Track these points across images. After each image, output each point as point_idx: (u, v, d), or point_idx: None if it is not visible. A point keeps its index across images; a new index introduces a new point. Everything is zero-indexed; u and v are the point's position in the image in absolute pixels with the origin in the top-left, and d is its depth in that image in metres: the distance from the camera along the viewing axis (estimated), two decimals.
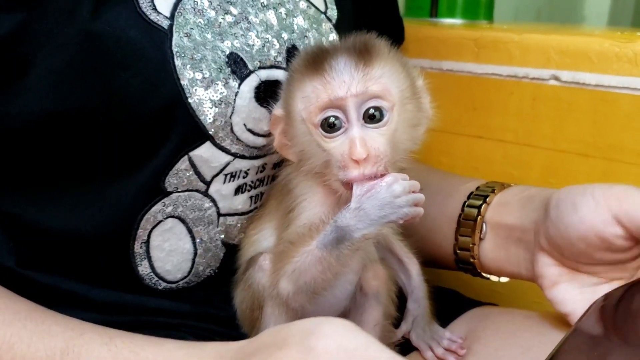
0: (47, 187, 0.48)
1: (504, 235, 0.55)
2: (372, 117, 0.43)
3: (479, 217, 0.56)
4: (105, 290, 0.51)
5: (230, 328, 0.53)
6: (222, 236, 0.53)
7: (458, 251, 0.59)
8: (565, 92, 0.70)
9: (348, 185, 0.43)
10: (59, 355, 0.40)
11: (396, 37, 0.75)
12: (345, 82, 0.43)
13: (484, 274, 0.59)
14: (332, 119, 0.43)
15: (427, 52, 0.78)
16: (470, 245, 0.57)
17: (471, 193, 0.58)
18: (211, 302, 0.55)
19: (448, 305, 0.60)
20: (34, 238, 0.50)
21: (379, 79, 0.44)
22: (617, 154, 0.67)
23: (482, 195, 0.58)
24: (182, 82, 0.45)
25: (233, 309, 0.53)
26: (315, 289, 0.45)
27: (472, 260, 0.58)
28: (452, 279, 0.80)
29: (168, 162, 0.47)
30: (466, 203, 0.58)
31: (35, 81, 0.44)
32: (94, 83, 0.44)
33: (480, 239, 0.57)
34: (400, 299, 0.55)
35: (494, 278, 0.59)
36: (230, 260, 0.53)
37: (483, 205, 0.57)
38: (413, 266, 0.54)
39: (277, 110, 0.46)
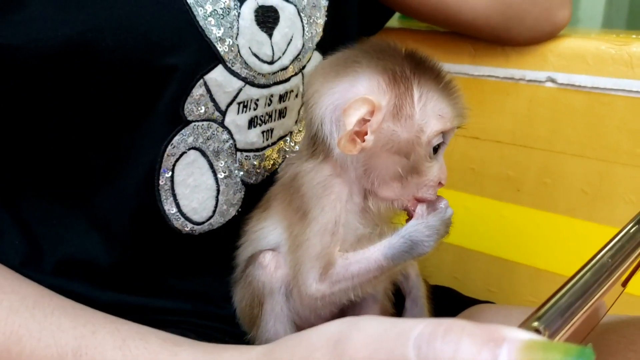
0: (68, 129, 0.48)
1: None
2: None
3: None
4: (109, 292, 0.51)
5: (232, 326, 0.54)
6: (241, 173, 0.54)
7: None
8: (562, 94, 0.70)
9: (415, 202, 0.46)
10: (71, 356, 0.39)
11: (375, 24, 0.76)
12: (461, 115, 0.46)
13: None
14: (440, 143, 0.46)
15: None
16: None
17: None
18: (213, 300, 0.56)
19: (445, 304, 0.60)
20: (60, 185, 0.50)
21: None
22: (612, 155, 0.68)
23: None
24: (188, 0, 0.47)
25: (233, 307, 0.54)
26: (356, 293, 0.46)
27: None
28: (449, 278, 0.81)
29: (184, 86, 0.48)
30: None
31: (39, 5, 0.43)
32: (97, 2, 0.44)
33: None
34: (398, 298, 0.56)
35: None
36: (251, 201, 0.54)
37: None
38: (411, 267, 0.55)
39: (378, 99, 0.44)
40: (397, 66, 0.44)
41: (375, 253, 0.44)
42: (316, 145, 0.47)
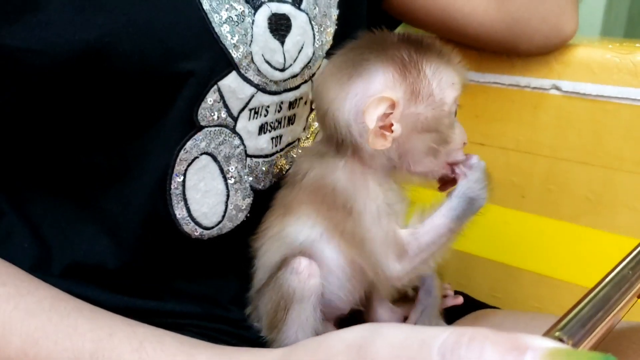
0: (80, 132, 0.48)
1: None
2: None
3: None
4: (117, 296, 0.51)
5: (240, 328, 0.54)
6: (251, 179, 0.55)
7: None
8: (566, 102, 0.71)
9: (448, 167, 0.50)
10: (88, 359, 0.39)
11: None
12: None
13: None
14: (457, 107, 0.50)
15: None
16: None
17: None
18: (221, 303, 0.56)
19: (451, 307, 0.61)
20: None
21: None
22: (616, 162, 0.69)
23: None
24: (204, 7, 0.47)
25: (241, 310, 0.54)
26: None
27: None
28: (453, 283, 0.81)
29: (199, 92, 0.48)
30: None
31: (57, 8, 0.43)
32: (116, 2, 0.44)
33: None
34: None
35: None
36: (259, 207, 0.55)
37: None
38: None
39: (395, 93, 0.46)
40: (403, 53, 0.47)
41: (441, 218, 0.48)
42: (342, 146, 0.48)
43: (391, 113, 0.46)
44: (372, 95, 0.46)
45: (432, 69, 0.47)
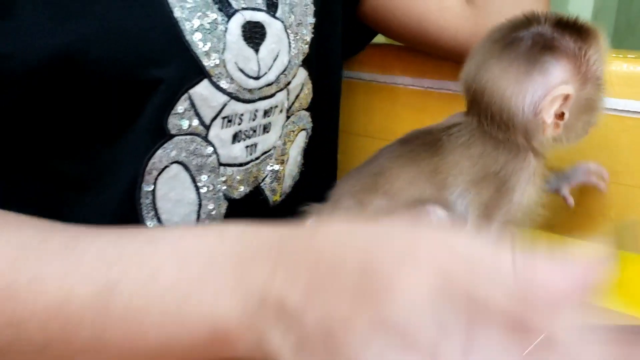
0: (46, 140, 0.48)
1: None
2: None
3: None
4: None
5: None
6: (224, 188, 0.54)
7: None
8: None
9: None
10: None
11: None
12: None
13: None
14: None
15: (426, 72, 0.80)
16: None
17: None
18: None
19: None
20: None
21: None
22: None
23: None
24: (175, 15, 0.47)
25: None
26: None
27: None
28: None
29: (169, 100, 0.48)
30: None
31: (29, 13, 0.43)
32: (88, 8, 0.44)
33: None
34: None
35: None
36: (233, 216, 0.55)
37: None
38: None
39: (570, 87, 0.50)
40: (571, 44, 0.50)
41: None
42: (516, 138, 0.52)
43: (564, 103, 0.49)
44: (549, 92, 0.49)
45: (595, 53, 0.51)
